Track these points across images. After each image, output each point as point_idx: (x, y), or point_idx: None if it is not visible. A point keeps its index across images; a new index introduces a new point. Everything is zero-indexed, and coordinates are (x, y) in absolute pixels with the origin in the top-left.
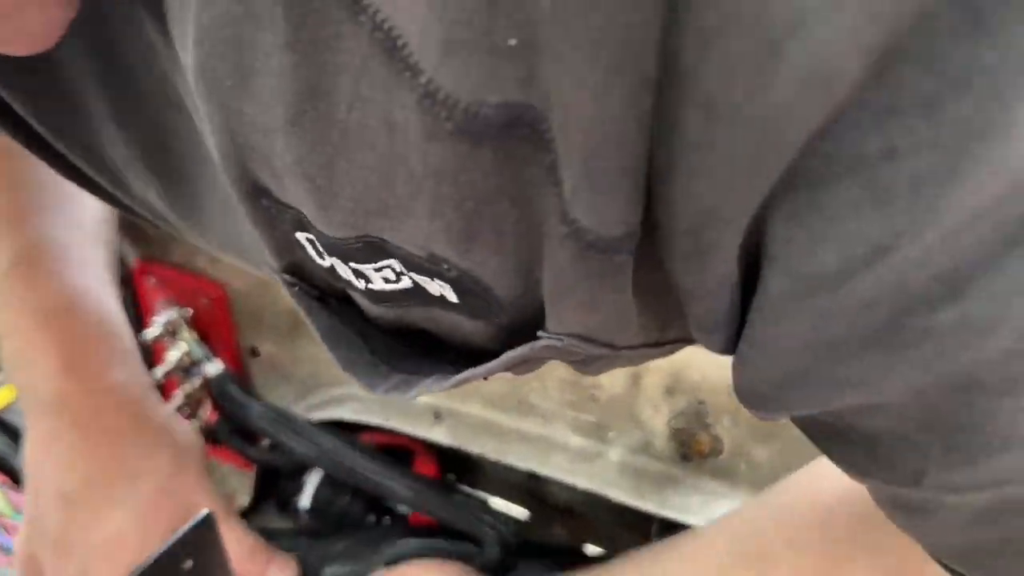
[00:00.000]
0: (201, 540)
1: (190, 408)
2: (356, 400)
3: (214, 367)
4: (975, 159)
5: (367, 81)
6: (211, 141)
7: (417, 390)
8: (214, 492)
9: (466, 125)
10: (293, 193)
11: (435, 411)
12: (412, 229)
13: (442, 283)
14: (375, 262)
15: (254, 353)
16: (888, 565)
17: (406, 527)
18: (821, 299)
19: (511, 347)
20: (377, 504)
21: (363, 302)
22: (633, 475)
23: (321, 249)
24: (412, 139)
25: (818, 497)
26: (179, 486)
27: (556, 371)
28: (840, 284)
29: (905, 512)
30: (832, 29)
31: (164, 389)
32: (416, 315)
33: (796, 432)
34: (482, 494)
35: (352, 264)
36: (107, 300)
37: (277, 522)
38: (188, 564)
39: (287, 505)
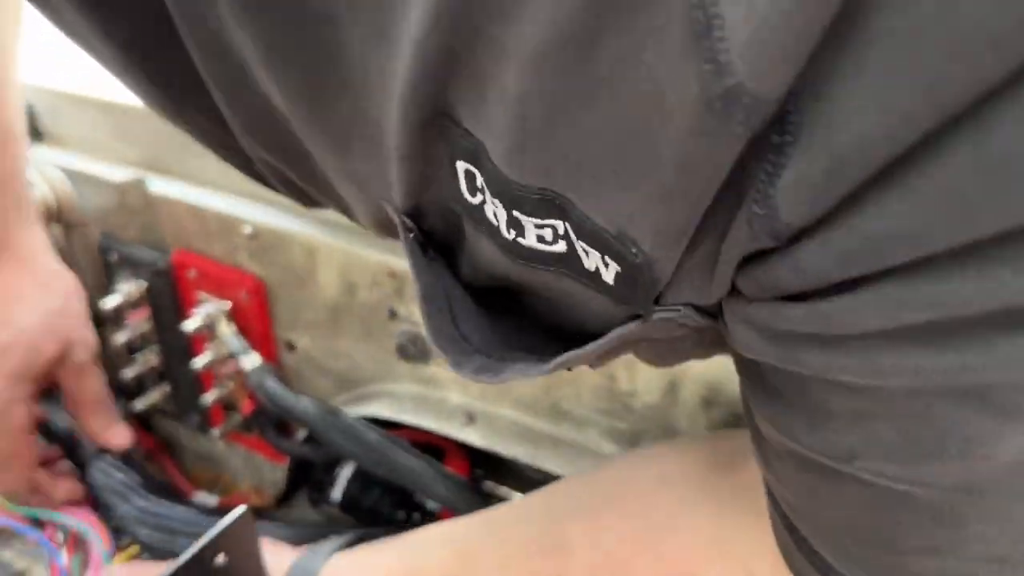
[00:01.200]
0: (237, 535)
1: (227, 399)
2: (390, 397)
3: (251, 360)
4: None
5: (657, 50)
6: (404, 59)
7: (508, 375)
8: (90, 329)
9: (756, 126)
10: (492, 126)
11: (468, 413)
12: (618, 203)
13: (609, 261)
14: (542, 218)
15: (290, 347)
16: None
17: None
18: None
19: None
20: (408, 499)
21: (486, 251)
22: None
23: (481, 184)
24: (678, 126)
25: (624, 488)
26: (61, 322)
27: (590, 378)
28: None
29: (805, 471)
30: None
31: (203, 380)
32: (534, 279)
33: None
34: (505, 491)
35: (515, 212)
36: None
37: (309, 514)
38: (221, 558)
39: (319, 497)
